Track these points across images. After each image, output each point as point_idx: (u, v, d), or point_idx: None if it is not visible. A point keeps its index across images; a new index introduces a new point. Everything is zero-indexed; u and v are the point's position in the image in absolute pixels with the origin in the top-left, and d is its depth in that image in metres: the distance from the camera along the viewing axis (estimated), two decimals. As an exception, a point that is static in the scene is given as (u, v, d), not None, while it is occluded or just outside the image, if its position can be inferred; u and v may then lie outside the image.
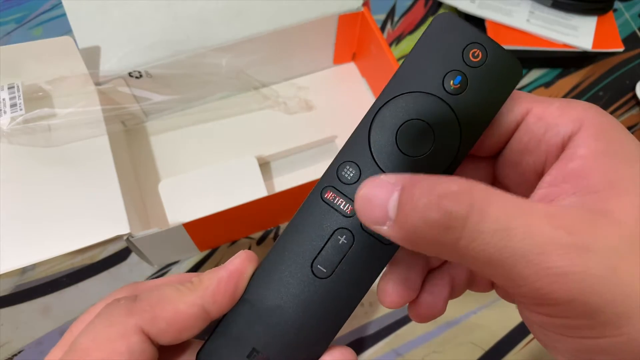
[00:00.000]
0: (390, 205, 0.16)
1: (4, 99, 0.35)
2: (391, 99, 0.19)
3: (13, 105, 0.35)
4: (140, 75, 0.40)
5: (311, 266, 0.19)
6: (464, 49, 0.19)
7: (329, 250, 0.19)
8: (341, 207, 0.19)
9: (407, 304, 0.22)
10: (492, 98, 0.19)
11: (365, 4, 0.44)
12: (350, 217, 0.19)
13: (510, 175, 0.21)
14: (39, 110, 0.36)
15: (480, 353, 0.40)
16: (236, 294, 0.20)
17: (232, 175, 0.41)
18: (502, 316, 0.41)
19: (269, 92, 0.47)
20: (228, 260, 0.20)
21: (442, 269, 0.22)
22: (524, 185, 0.20)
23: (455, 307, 0.41)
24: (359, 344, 0.40)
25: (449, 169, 0.19)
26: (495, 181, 0.22)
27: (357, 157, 0.19)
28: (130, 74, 0.40)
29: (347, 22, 0.45)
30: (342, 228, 0.19)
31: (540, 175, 0.19)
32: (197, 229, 0.37)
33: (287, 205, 0.39)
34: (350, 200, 0.19)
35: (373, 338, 0.40)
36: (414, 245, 0.16)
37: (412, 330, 0.40)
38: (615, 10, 0.57)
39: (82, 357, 0.17)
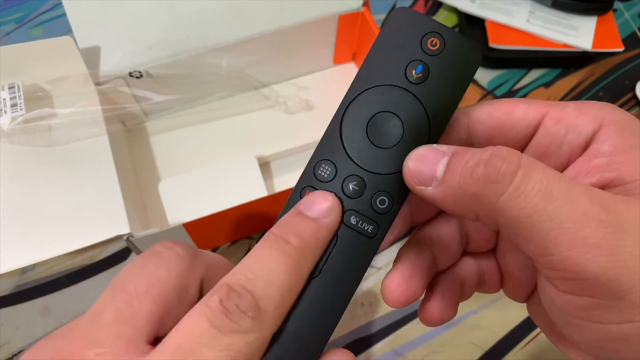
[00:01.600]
0: (440, 166, 0.17)
1: (4, 99, 0.35)
2: (358, 95, 0.20)
3: (13, 105, 0.35)
4: (141, 75, 0.40)
5: None
6: (422, 38, 0.19)
7: None
8: None
9: (418, 309, 0.22)
10: (455, 83, 0.19)
11: (365, 4, 0.44)
12: None
13: None
14: (39, 110, 0.36)
15: (480, 353, 0.40)
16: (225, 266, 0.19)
17: (232, 175, 0.41)
18: (502, 316, 0.41)
19: (269, 92, 0.47)
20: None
21: (450, 271, 0.22)
22: None
23: (455, 307, 0.41)
24: (359, 344, 0.40)
25: None
26: None
27: (331, 154, 0.20)
28: (130, 74, 0.40)
29: (347, 22, 0.45)
30: None
31: None
32: (197, 229, 0.37)
33: (287, 205, 0.39)
34: None
35: (373, 338, 0.40)
36: (453, 201, 0.17)
37: (412, 330, 0.40)
38: (615, 10, 0.57)
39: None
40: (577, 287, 0.15)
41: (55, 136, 0.36)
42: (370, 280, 0.42)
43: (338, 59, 0.49)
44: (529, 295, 0.23)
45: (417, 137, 0.19)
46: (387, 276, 0.21)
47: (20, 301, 0.40)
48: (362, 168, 0.19)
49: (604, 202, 0.15)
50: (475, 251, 0.23)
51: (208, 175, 0.41)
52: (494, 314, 0.41)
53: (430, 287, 0.22)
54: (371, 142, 0.19)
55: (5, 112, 0.34)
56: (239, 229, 0.42)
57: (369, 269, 0.45)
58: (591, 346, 0.17)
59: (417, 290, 0.21)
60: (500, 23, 0.52)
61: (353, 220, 0.19)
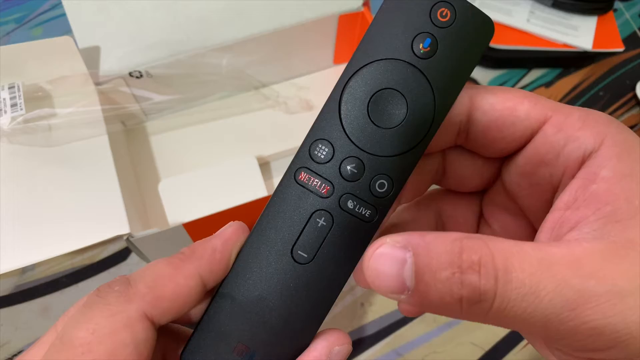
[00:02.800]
0: (407, 275, 0.15)
1: (4, 99, 0.35)
2: (359, 69, 0.18)
3: (13, 105, 0.35)
4: (141, 75, 0.40)
5: (291, 252, 0.19)
6: (431, 9, 0.17)
7: (308, 234, 0.19)
8: (317, 188, 0.18)
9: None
10: (465, 59, 0.18)
11: (365, 4, 0.44)
12: (326, 197, 0.18)
13: (521, 184, 0.20)
14: (39, 110, 0.36)
15: (480, 353, 0.40)
16: (230, 264, 0.19)
17: (232, 175, 0.41)
18: (502, 316, 0.41)
19: (269, 92, 0.47)
20: (219, 230, 0.19)
21: None
22: (535, 195, 0.20)
23: (455, 307, 0.41)
24: (359, 344, 0.40)
25: (425, 138, 0.18)
26: (502, 186, 0.22)
27: (329, 134, 0.18)
28: (130, 74, 0.40)
29: (347, 22, 0.45)
30: (320, 210, 0.18)
31: (555, 188, 0.19)
32: (197, 229, 0.37)
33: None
34: (326, 180, 0.18)
35: (373, 338, 0.40)
36: (436, 310, 0.16)
37: (412, 330, 0.40)
38: (615, 10, 0.57)
39: (83, 353, 0.16)
40: (590, 356, 0.15)
41: (55, 136, 0.36)
42: (370, 280, 0.42)
43: (338, 59, 0.49)
44: None
45: (422, 117, 0.18)
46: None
47: (20, 301, 0.40)
48: (362, 149, 0.18)
49: (594, 270, 0.14)
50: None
51: (208, 175, 0.41)
52: (494, 314, 0.41)
53: None
54: (372, 122, 0.18)
55: (5, 112, 0.34)
56: (239, 229, 0.41)
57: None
58: None
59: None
60: (500, 23, 0.52)
61: (350, 204, 0.18)
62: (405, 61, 0.18)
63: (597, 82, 0.54)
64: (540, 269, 0.14)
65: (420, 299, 0.15)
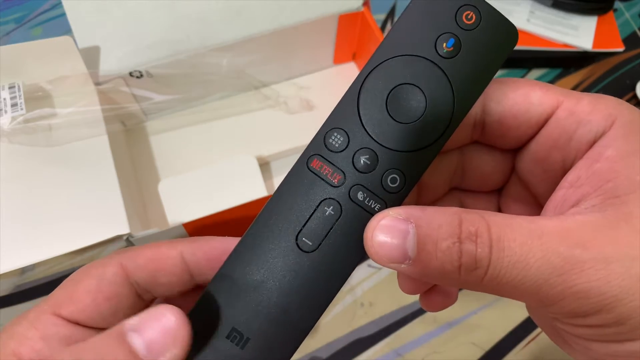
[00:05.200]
0: (409, 245, 0.16)
1: (4, 99, 0.35)
2: (381, 63, 0.18)
3: (14, 105, 0.35)
4: (141, 75, 0.40)
5: (296, 239, 0.18)
6: (457, 10, 0.18)
7: (315, 222, 0.18)
8: (328, 176, 0.18)
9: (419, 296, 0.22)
10: (487, 63, 0.18)
11: (365, 4, 0.44)
12: (337, 186, 0.18)
13: (534, 170, 0.20)
14: (39, 109, 0.36)
15: (480, 353, 0.40)
16: (217, 261, 0.19)
17: (232, 175, 0.41)
18: (502, 316, 0.41)
19: (270, 91, 0.47)
20: (233, 238, 0.20)
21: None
22: (548, 180, 0.20)
23: (455, 307, 0.41)
24: (359, 344, 0.40)
25: (441, 137, 0.18)
26: (517, 179, 0.22)
27: (345, 123, 0.18)
28: (130, 74, 0.40)
29: (347, 22, 0.45)
30: (329, 199, 0.18)
31: (567, 171, 0.19)
32: (197, 229, 0.37)
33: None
34: (338, 169, 0.18)
35: (373, 338, 0.40)
36: (434, 278, 0.16)
37: (412, 330, 0.40)
38: (615, 10, 0.57)
39: (66, 280, 0.18)
40: (581, 322, 0.16)
41: (55, 136, 0.36)
42: (371, 280, 0.42)
43: (338, 59, 0.49)
44: None
45: (440, 116, 0.18)
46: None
47: (20, 301, 0.40)
48: (377, 142, 0.18)
49: (584, 239, 0.15)
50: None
51: (208, 175, 0.41)
52: (494, 314, 0.41)
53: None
54: (390, 115, 0.18)
55: (6, 111, 0.34)
56: (239, 229, 0.41)
57: (369, 269, 0.45)
58: None
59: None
60: (500, 23, 0.52)
61: (360, 196, 0.18)
62: (428, 59, 0.18)
63: (597, 82, 0.54)
64: (530, 238, 0.15)
65: (421, 268, 0.16)
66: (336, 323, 0.40)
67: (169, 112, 0.46)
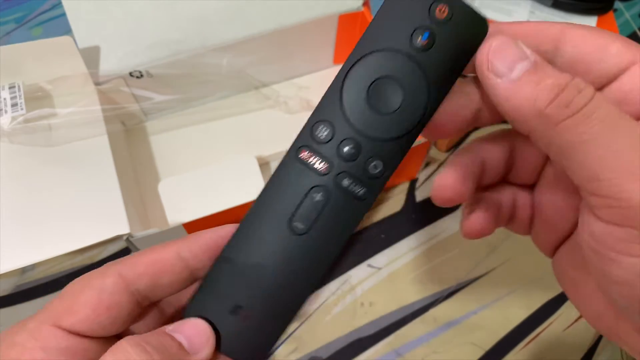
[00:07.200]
0: (519, 66, 0.17)
1: (4, 99, 0.35)
2: (361, 58, 0.19)
3: (14, 105, 0.35)
4: (141, 75, 0.40)
5: (289, 223, 0.20)
6: (430, 5, 0.19)
7: (306, 208, 0.20)
8: (315, 166, 0.20)
9: (461, 222, 0.23)
10: (459, 54, 0.19)
11: (365, 4, 0.44)
12: (325, 175, 0.20)
13: None
14: (39, 109, 0.36)
15: (480, 353, 0.40)
16: (213, 251, 0.20)
17: (232, 175, 0.41)
18: (502, 316, 0.41)
19: (270, 91, 0.47)
20: (223, 226, 0.21)
21: (490, 192, 0.24)
22: None
23: (455, 307, 0.41)
24: (359, 344, 0.40)
25: (418, 125, 0.20)
26: None
27: (330, 116, 0.20)
28: (131, 74, 0.40)
29: (347, 22, 0.45)
30: (318, 186, 0.20)
31: None
32: (197, 229, 0.36)
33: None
34: (325, 158, 0.20)
35: (373, 338, 0.40)
36: (515, 105, 0.17)
37: (412, 330, 0.40)
38: (615, 10, 0.57)
39: (64, 290, 0.19)
40: (620, 216, 0.16)
41: (56, 136, 0.36)
42: (371, 280, 0.42)
43: (338, 59, 0.49)
44: (556, 248, 0.23)
45: (416, 106, 0.19)
46: (440, 175, 0.22)
47: (20, 301, 0.40)
48: (360, 132, 0.20)
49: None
50: (516, 182, 0.24)
51: (208, 175, 0.41)
52: (494, 314, 0.41)
53: (472, 202, 0.23)
54: (370, 107, 0.20)
55: (6, 111, 0.34)
56: (239, 229, 0.42)
57: (369, 269, 0.45)
58: (623, 283, 0.17)
59: (466, 192, 0.22)
60: (500, 23, 0.52)
61: (345, 182, 0.20)
62: (404, 52, 0.19)
63: (597, 82, 0.54)
64: (621, 117, 0.16)
65: (513, 88, 0.17)
66: (336, 323, 0.40)
67: (169, 112, 0.46)
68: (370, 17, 0.43)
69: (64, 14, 0.37)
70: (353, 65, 0.20)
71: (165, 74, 0.41)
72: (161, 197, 0.40)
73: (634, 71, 0.18)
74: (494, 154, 0.23)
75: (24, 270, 0.41)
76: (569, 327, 0.41)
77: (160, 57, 0.40)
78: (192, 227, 0.36)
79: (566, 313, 0.41)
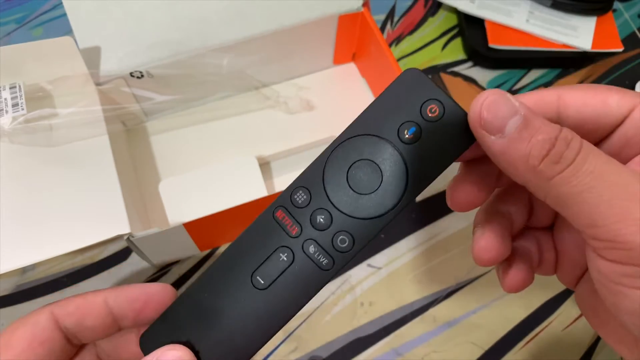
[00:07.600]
0: (511, 123, 0.18)
1: (5, 99, 0.35)
2: (351, 137, 0.21)
3: (15, 105, 0.35)
4: (141, 75, 0.40)
5: (251, 276, 0.21)
6: (423, 103, 0.20)
7: (270, 265, 0.21)
8: (287, 227, 0.21)
9: (502, 278, 0.24)
10: (443, 153, 0.20)
11: (365, 4, 0.44)
12: (294, 237, 0.21)
13: None
14: (40, 110, 0.36)
15: (480, 353, 0.40)
16: (138, 304, 0.23)
17: (232, 175, 0.41)
18: (502, 316, 0.41)
19: (270, 92, 0.47)
20: (153, 283, 0.23)
21: (519, 242, 0.24)
22: None
23: (454, 307, 0.41)
24: (359, 344, 0.40)
25: (391, 211, 0.20)
26: None
27: (311, 185, 0.21)
28: (131, 74, 0.40)
29: (347, 22, 0.45)
30: (285, 246, 0.21)
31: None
32: (197, 229, 0.37)
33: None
34: (297, 222, 0.21)
35: (373, 338, 0.40)
36: (510, 161, 0.18)
37: (412, 330, 0.40)
38: (614, 10, 0.57)
39: (3, 330, 0.21)
40: (622, 256, 0.17)
41: (56, 136, 0.36)
42: (370, 280, 0.42)
43: (338, 59, 0.49)
44: (578, 279, 0.24)
45: (392, 194, 0.20)
46: (478, 239, 0.22)
47: (20, 301, 0.40)
48: (334, 205, 0.20)
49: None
50: (536, 226, 0.25)
51: (208, 175, 0.41)
52: (494, 314, 0.41)
53: (507, 257, 0.24)
54: (348, 184, 0.21)
55: (7, 111, 0.35)
56: (239, 229, 0.42)
57: (368, 268, 0.45)
58: (633, 314, 0.18)
59: (506, 251, 0.22)
60: (499, 23, 0.52)
61: (312, 249, 0.21)
62: (390, 141, 0.20)
63: (597, 82, 0.54)
64: (611, 165, 0.17)
65: (510, 146, 0.18)
66: (336, 322, 0.40)
67: (170, 112, 0.46)
68: (370, 18, 0.43)
69: (64, 15, 0.37)
70: (342, 142, 0.21)
71: (165, 74, 0.41)
72: (162, 197, 0.41)
73: (634, 116, 0.19)
74: (518, 207, 0.24)
75: (24, 270, 0.41)
76: (568, 326, 0.41)
77: (160, 57, 0.40)
78: (193, 226, 0.36)
79: (565, 312, 0.41)
